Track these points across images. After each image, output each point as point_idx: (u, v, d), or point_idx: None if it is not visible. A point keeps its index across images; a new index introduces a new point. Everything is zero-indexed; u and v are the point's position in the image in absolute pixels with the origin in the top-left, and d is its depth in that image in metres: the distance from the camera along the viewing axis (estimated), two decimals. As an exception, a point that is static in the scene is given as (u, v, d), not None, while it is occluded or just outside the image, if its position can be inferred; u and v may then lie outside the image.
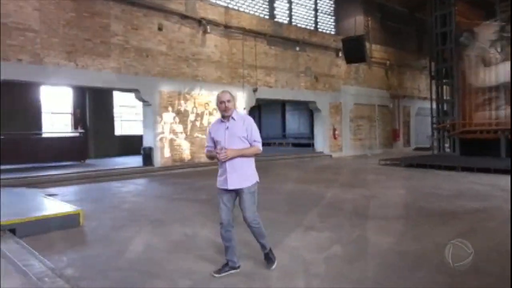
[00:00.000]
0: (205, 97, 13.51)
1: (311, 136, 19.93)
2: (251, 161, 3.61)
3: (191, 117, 13.24)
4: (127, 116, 19.41)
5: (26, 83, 11.19)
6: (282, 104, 23.66)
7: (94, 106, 16.98)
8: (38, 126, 15.45)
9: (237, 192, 3.55)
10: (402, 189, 8.61)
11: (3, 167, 11.45)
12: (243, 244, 4.53)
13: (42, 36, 9.85)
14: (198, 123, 13.42)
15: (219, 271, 3.59)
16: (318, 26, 18.60)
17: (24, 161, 12.49)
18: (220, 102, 3.52)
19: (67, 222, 5.48)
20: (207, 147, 3.74)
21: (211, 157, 3.63)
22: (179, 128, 12.89)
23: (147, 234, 5.18)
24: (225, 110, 3.51)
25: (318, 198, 7.56)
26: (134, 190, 9.27)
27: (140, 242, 4.78)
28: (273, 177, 11.11)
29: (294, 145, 22.61)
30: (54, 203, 6.26)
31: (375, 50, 20.00)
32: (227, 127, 3.54)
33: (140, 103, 12.95)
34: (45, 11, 9.91)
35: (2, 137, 12.87)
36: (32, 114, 15.14)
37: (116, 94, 17.77)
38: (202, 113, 13.54)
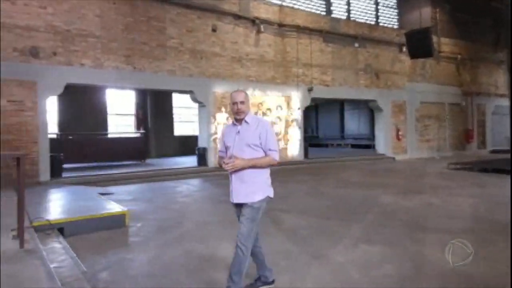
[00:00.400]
0: (258, 98, 13.32)
1: (372, 137, 18.90)
2: (264, 173, 3.04)
3: (245, 117, 13.11)
4: (186, 117, 19.94)
5: (94, 87, 11.88)
6: (340, 104, 22.79)
7: (154, 107, 17.65)
8: (104, 127, 16.42)
9: (241, 206, 3.05)
10: (474, 197, 7.63)
11: (70, 165, 12.28)
12: (282, 254, 4.20)
13: (103, 41, 10.33)
14: (251, 124, 13.25)
15: (250, 286, 3.28)
16: (379, 20, 17.53)
17: (90, 160, 13.26)
18: (232, 103, 3.06)
19: (113, 223, 5.55)
20: (219, 152, 3.31)
21: (220, 164, 3.09)
22: (232, 129, 12.83)
23: (188, 238, 5.04)
24: (237, 113, 3.04)
25: (375, 205, 6.94)
26: (185, 190, 9.32)
27: (180, 247, 4.64)
28: (328, 180, 10.58)
29: (354, 146, 21.64)
30: (104, 203, 6.41)
31: (444, 44, 18.40)
32: (238, 132, 3.06)
33: (196, 104, 13.12)
34: (105, 17, 10.38)
35: (70, 137, 13.85)
36: (98, 116, 16.13)
37: (175, 96, 18.30)
38: (256, 114, 13.35)
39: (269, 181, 3.11)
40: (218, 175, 11.68)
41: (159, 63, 11.29)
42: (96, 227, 5.37)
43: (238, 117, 3.05)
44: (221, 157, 3.16)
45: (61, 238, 4.68)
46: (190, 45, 11.84)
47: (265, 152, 3.01)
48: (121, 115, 17.57)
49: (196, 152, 12.71)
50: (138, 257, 4.31)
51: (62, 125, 15.12)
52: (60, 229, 5.12)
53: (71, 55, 9.88)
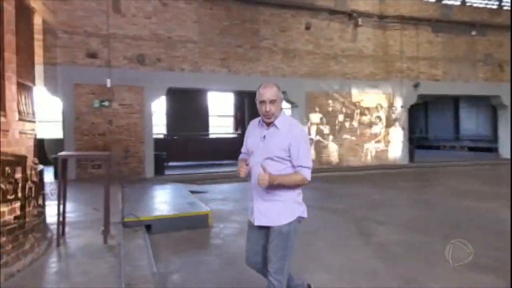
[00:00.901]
0: (356, 96, 12.52)
1: (494, 138, 16.32)
2: (293, 190, 2.43)
3: (340, 117, 12.46)
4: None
5: (198, 90, 12.62)
6: (454, 100, 20.24)
7: (251, 108, 18.00)
8: (206, 128, 17.34)
9: (266, 229, 2.46)
10: None
11: (175, 163, 13.23)
12: (365, 274, 3.67)
13: (200, 46, 10.81)
14: (347, 124, 12.54)
15: None
16: (503, 4, 15.00)
17: (192, 159, 14.08)
18: (260, 102, 2.41)
19: (198, 222, 5.63)
20: (242, 153, 2.65)
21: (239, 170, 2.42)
22: (326, 129, 12.30)
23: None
24: (266, 115, 2.39)
25: (491, 221, 5.81)
26: (275, 192, 9.15)
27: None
28: (435, 187, 9.35)
29: (471, 149, 19.02)
30: (192, 202, 6.59)
31: None
32: (264, 137, 2.43)
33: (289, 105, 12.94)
34: (203, 22, 10.85)
35: (175, 137, 14.92)
36: (201, 117, 17.08)
37: (271, 97, 18.37)
38: (352, 113, 12.59)
39: (300, 197, 2.50)
40: (312, 178, 11.26)
41: (253, 64, 11.38)
42: (181, 226, 5.51)
43: (267, 120, 2.42)
44: (242, 160, 2.44)
45: (146, 236, 4.89)
46: (283, 45, 11.68)
47: (294, 167, 2.38)
48: (221, 116, 18.35)
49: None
50: (214, 261, 4.23)
51: (169, 126, 16.40)
52: (148, 226, 5.38)
53: (173, 61, 10.56)
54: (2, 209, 3.07)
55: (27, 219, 3.43)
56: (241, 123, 17.86)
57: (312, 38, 12.03)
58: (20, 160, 3.38)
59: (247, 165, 2.36)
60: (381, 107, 12.87)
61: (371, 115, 12.76)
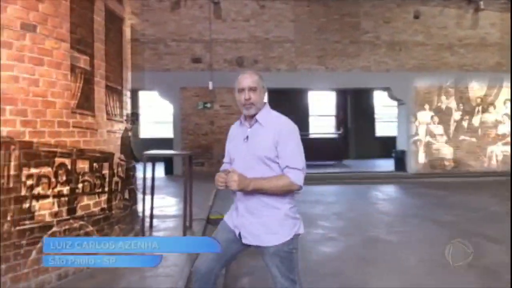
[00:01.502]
0: (477, 91, 10.87)
1: None
2: (285, 200, 2.00)
3: (456, 115, 10.97)
4: (389, 116, 18.50)
5: (297, 90, 12.57)
6: None
7: (354, 107, 17.15)
8: (306, 128, 17.13)
9: (257, 248, 2.06)
10: None
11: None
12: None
13: (297, 45, 10.67)
14: (465, 123, 10.97)
15: None
16: None
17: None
18: (238, 90, 2.06)
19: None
20: (224, 163, 2.28)
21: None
22: (438, 129, 10.95)
23: (352, 256, 4.42)
24: (245, 105, 2.03)
25: None
26: (373, 197, 8.50)
27: (331, 265, 4.10)
28: None
29: None
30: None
31: None
32: (246, 137, 2.06)
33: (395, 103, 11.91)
34: (299, 21, 10.68)
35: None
36: (301, 117, 16.94)
37: (376, 94, 17.26)
38: (472, 110, 10.97)
39: (294, 209, 2.06)
40: (417, 183, 10.16)
41: (352, 60, 10.77)
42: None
43: (247, 111, 2.04)
44: (223, 171, 2.04)
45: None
46: (387, 37, 10.78)
47: (282, 169, 1.96)
48: (322, 116, 17.92)
49: (393, 155, 11.50)
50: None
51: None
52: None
53: (269, 62, 10.65)
54: (88, 202, 3.39)
55: (113, 211, 3.74)
56: (343, 122, 17.18)
57: (421, 27, 10.84)
58: (107, 157, 3.70)
59: (226, 172, 1.95)
60: (510, 102, 10.93)
61: (497, 112, 10.94)
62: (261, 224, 1.99)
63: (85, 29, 3.42)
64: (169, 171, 10.81)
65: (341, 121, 17.26)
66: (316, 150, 14.27)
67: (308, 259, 4.29)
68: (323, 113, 17.82)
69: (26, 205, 2.86)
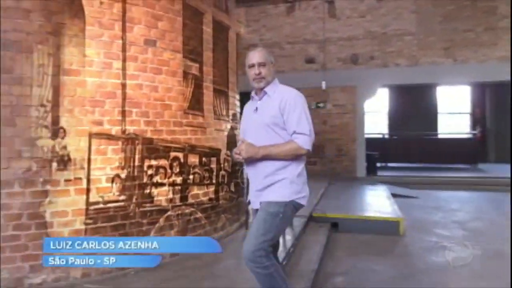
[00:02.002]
0: None
1: None
2: (292, 166, 2.07)
3: None
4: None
5: (424, 86, 11.66)
6: None
7: (495, 104, 14.90)
8: (434, 127, 15.59)
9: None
10: None
11: (393, 164, 12.61)
12: None
13: (419, 38, 9.86)
14: None
15: None
16: None
17: (414, 161, 13.00)
18: (248, 66, 2.19)
19: (386, 228, 5.25)
20: (238, 141, 2.40)
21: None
22: None
23: (459, 267, 3.99)
24: (255, 79, 2.15)
25: None
26: (507, 207, 7.34)
27: (437, 276, 3.77)
28: None
29: None
30: (387, 206, 6.17)
31: None
32: (256, 109, 2.19)
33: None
34: (422, 11, 9.84)
35: (395, 137, 14.17)
36: (427, 115, 15.50)
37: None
38: None
39: (301, 180, 2.11)
40: None
41: (487, 50, 9.44)
42: (369, 229, 5.27)
43: (257, 85, 2.16)
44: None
45: (327, 233, 4.96)
46: (534, 20, 9.12)
47: (290, 135, 2.06)
48: (453, 114, 16.06)
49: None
50: (388, 271, 3.87)
51: (391, 125, 15.71)
52: (335, 224, 5.43)
53: (387, 57, 10.10)
54: (198, 191, 3.86)
55: (220, 202, 4.16)
56: (480, 121, 15.10)
57: None
58: (215, 152, 4.14)
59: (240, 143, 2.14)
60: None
61: None
62: (266, 184, 2.09)
63: (196, 40, 3.90)
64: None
65: (478, 119, 15.21)
66: (446, 152, 12.91)
67: (413, 266, 4.03)
68: (455, 110, 15.97)
69: (147, 191, 3.44)
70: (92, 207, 3.12)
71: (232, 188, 4.44)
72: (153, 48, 3.48)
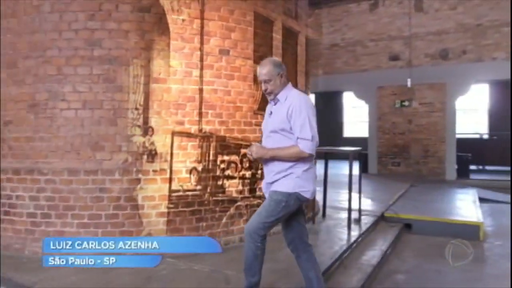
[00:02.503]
0: None
1: None
2: (297, 165, 2.35)
3: None
4: None
5: None
6: None
7: None
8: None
9: None
10: None
11: (493, 168, 11.49)
12: None
13: (521, 27, 8.88)
14: None
15: None
16: None
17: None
18: (259, 81, 2.51)
19: (464, 232, 4.99)
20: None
21: None
22: None
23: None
24: (264, 94, 2.51)
25: None
26: None
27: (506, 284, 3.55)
28: None
29: None
30: (469, 210, 5.81)
31: None
32: (271, 113, 2.49)
33: None
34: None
35: (495, 137, 12.82)
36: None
37: None
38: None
39: (307, 176, 2.37)
40: None
41: None
42: (446, 232, 5.07)
43: (268, 97, 2.51)
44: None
45: (397, 233, 4.92)
46: None
47: (296, 139, 2.35)
48: None
49: None
50: (453, 274, 3.76)
51: (492, 124, 14.21)
52: (409, 225, 5.34)
53: (482, 50, 9.30)
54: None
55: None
56: None
57: None
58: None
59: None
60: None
61: None
62: (275, 176, 2.40)
63: (266, 47, 4.26)
64: (364, 169, 11.00)
65: None
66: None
67: (483, 272, 3.86)
68: None
69: (219, 183, 3.90)
70: (173, 194, 3.69)
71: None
72: (227, 57, 3.93)
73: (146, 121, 3.64)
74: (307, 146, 2.32)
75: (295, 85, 4.61)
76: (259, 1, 4.19)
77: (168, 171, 3.68)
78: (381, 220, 5.37)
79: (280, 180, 2.38)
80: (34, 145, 3.68)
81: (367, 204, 6.06)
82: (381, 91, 10.61)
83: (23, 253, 3.61)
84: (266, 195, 2.50)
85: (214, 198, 3.87)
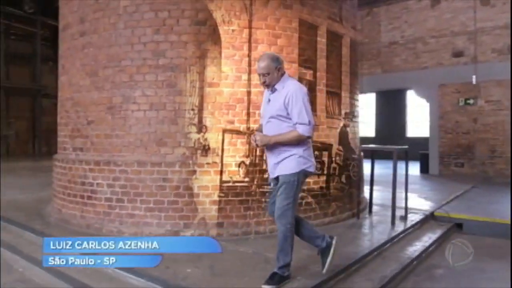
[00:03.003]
0: None
1: None
2: (298, 145, 2.72)
3: None
4: None
5: None
6: None
7: None
8: None
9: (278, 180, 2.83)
10: None
11: None
12: None
13: None
14: None
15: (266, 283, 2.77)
16: None
17: None
18: (258, 75, 2.84)
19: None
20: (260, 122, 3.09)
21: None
22: None
23: None
24: (262, 85, 2.86)
25: None
26: None
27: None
28: None
29: None
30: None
31: None
32: (269, 100, 2.84)
33: None
34: None
35: None
36: None
37: None
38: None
39: (307, 152, 2.77)
40: None
41: None
42: (498, 233, 4.95)
43: (265, 88, 2.87)
44: (257, 130, 3.04)
45: (444, 231, 4.91)
46: None
47: (294, 125, 2.69)
48: None
49: None
50: (493, 273, 3.74)
51: None
52: (460, 225, 5.27)
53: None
54: (309, 180, 4.51)
55: (330, 191, 4.73)
56: None
57: None
58: (327, 147, 4.72)
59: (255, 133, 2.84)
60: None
61: None
62: (281, 160, 2.74)
63: (311, 51, 4.57)
64: (424, 170, 10.69)
65: None
66: None
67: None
68: None
69: (265, 176, 4.29)
70: (224, 185, 4.15)
71: (344, 180, 4.93)
72: (273, 61, 4.30)
73: (201, 120, 4.15)
74: (306, 129, 2.69)
75: (340, 86, 4.87)
76: (304, 8, 4.51)
77: (220, 164, 4.15)
78: (430, 219, 5.37)
79: (286, 161, 2.73)
80: (111, 141, 4.39)
81: (420, 203, 6.06)
82: (443, 89, 10.24)
83: (101, 232, 4.30)
84: (272, 176, 2.86)
85: (260, 190, 4.26)
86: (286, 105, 2.70)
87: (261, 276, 2.90)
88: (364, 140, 11.79)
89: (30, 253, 3.87)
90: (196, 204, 4.12)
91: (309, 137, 2.75)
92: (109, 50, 4.41)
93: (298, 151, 2.74)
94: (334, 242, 2.97)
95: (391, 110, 16.11)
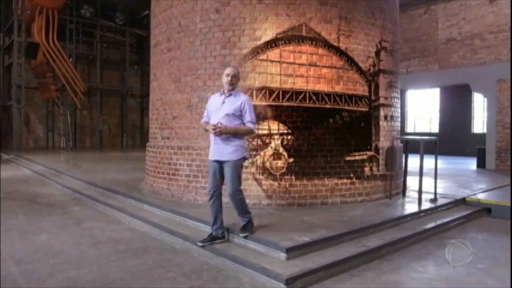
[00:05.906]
0: None
1: None
2: (243, 138, 3.85)
3: None
4: None
5: None
6: None
7: None
8: None
9: (222, 165, 3.82)
10: None
11: None
12: None
13: None
14: None
15: (203, 241, 3.89)
16: None
17: None
18: (226, 75, 3.83)
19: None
20: (204, 117, 4.07)
21: (205, 129, 4.05)
22: None
23: None
24: (229, 83, 3.81)
25: None
26: None
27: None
28: None
29: None
30: None
31: None
32: (224, 102, 3.82)
33: None
34: None
35: None
36: None
37: None
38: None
39: (246, 144, 3.93)
40: None
41: None
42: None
43: (229, 87, 3.82)
44: (205, 123, 3.99)
45: (469, 213, 5.52)
46: None
47: (244, 123, 3.78)
48: None
49: None
50: (502, 245, 4.35)
51: None
52: (489, 209, 5.81)
53: None
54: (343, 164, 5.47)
55: (364, 174, 5.62)
56: None
57: None
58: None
59: (216, 124, 3.75)
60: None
61: None
62: (226, 148, 3.78)
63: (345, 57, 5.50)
64: (481, 165, 10.78)
65: None
66: None
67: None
68: None
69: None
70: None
71: (377, 166, 5.78)
72: (314, 67, 5.33)
73: (256, 115, 5.32)
74: (254, 127, 3.88)
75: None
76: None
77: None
78: (462, 203, 5.96)
79: (233, 151, 3.79)
80: (190, 132, 5.75)
81: (457, 191, 6.56)
82: (501, 84, 10.27)
83: (181, 200, 5.69)
84: (219, 158, 3.82)
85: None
86: (242, 108, 3.81)
87: (294, 228, 4.03)
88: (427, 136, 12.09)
89: (133, 212, 5.40)
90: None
91: (254, 132, 4.19)
92: (189, 62, 5.76)
93: (241, 142, 3.86)
94: (222, 240, 3.96)
95: (456, 105, 15.88)
